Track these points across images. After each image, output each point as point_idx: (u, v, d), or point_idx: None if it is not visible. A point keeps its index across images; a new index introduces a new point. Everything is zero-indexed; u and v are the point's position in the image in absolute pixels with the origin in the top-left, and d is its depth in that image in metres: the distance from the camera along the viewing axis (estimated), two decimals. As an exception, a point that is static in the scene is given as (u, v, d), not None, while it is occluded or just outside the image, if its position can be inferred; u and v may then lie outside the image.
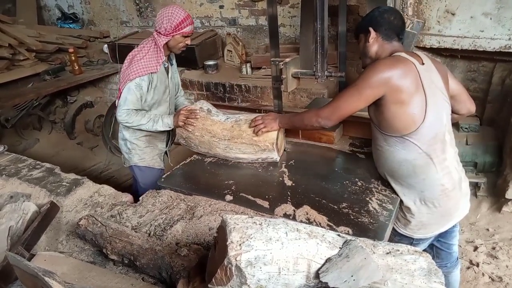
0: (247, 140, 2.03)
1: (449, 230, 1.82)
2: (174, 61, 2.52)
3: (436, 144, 1.64)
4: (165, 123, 2.27)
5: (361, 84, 1.62)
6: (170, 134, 2.68)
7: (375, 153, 1.81)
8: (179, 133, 2.27)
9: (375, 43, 1.72)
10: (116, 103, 2.40)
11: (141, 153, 2.51)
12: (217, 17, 4.76)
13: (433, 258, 1.14)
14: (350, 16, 3.61)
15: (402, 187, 1.73)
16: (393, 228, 1.79)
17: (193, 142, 2.21)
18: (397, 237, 1.79)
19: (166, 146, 2.67)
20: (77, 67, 4.64)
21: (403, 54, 1.64)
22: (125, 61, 2.28)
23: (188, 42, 2.25)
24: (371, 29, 1.70)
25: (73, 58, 4.59)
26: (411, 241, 1.76)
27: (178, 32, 2.16)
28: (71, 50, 4.61)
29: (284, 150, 2.22)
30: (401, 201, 1.74)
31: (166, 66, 2.36)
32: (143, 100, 2.30)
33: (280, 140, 2.10)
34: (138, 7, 5.36)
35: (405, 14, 3.11)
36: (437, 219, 1.74)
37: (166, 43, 2.22)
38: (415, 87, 1.58)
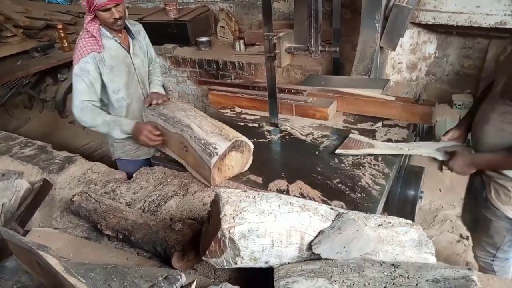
0: (216, 130, 1.76)
1: None
2: (140, 35, 2.21)
3: None
4: (124, 131, 2.00)
5: None
6: None
7: (497, 125, 1.56)
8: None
9: None
10: None
11: (122, 146, 2.27)
12: (210, -8, 4.65)
13: None
14: (345, -9, 3.55)
15: None
16: (506, 216, 1.67)
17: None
18: None
19: None
20: (66, 44, 4.53)
21: None
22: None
23: (116, 15, 1.94)
24: None
25: (62, 34, 4.48)
26: None
27: (94, 8, 1.89)
28: (60, 26, 4.48)
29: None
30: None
31: (119, 41, 2.06)
32: (98, 86, 2.01)
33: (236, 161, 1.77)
34: (128, -19, 5.21)
35: (400, -11, 3.06)
36: None
37: (97, 18, 1.96)
38: None
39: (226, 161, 1.70)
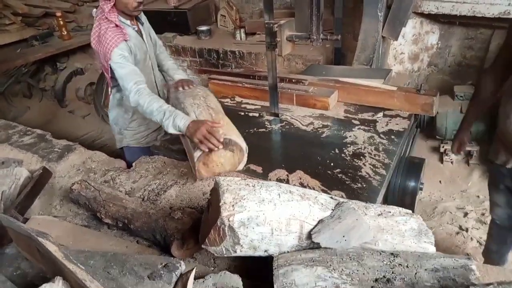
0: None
1: None
2: (143, 19, 2.16)
3: None
4: (175, 124, 1.69)
5: None
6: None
7: None
8: None
9: None
10: (109, 91, 2.16)
11: (132, 133, 2.26)
12: (210, -20, 4.59)
13: None
14: (347, -21, 3.50)
15: None
16: None
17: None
18: None
19: None
20: (65, 33, 4.50)
21: None
22: (93, 44, 1.96)
23: None
24: None
25: (61, 23, 4.45)
26: None
27: None
28: (58, 14, 4.45)
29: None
30: None
31: (136, 29, 2.04)
32: (138, 69, 1.95)
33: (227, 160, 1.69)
34: (127, -31, 5.15)
35: (404, -22, 3.01)
36: None
37: (116, 7, 1.91)
38: None
39: (213, 157, 1.62)
